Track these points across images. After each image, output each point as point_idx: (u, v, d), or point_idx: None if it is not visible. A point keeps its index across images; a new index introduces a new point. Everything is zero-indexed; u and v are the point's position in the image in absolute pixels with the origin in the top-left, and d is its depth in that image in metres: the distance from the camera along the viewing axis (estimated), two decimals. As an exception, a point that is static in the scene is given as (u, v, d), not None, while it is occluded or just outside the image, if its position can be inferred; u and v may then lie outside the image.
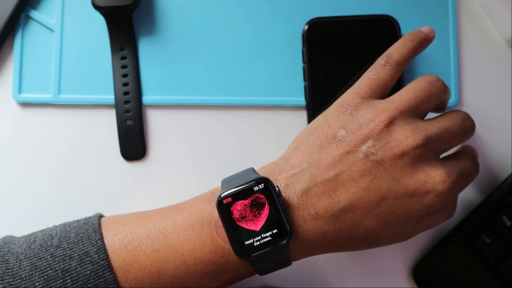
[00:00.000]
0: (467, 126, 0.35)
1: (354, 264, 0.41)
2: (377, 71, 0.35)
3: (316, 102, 0.40)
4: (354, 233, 0.32)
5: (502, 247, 0.38)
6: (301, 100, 0.42)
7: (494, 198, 0.40)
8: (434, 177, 0.32)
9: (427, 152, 0.33)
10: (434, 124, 0.34)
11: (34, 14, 0.43)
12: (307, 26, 0.41)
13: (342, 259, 0.41)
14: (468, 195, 0.41)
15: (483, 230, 0.39)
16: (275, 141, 0.42)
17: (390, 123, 0.33)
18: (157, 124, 0.42)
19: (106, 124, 0.42)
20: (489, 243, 0.39)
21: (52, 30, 0.43)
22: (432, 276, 0.40)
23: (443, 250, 0.40)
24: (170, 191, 0.42)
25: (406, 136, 0.32)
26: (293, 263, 0.33)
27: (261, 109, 0.43)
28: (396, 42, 0.37)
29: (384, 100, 0.34)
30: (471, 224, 0.39)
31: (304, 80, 0.41)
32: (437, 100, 0.35)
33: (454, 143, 0.35)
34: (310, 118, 0.41)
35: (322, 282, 0.41)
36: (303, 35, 0.41)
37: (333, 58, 0.41)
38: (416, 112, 0.34)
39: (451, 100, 0.42)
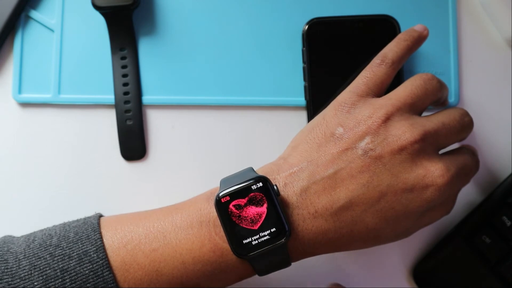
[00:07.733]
0: (465, 122, 0.35)
1: (354, 264, 0.41)
2: (373, 70, 0.35)
3: (316, 102, 0.40)
4: (354, 231, 0.32)
5: (502, 247, 0.38)
6: (301, 100, 0.42)
7: (494, 198, 0.40)
8: (433, 171, 0.32)
9: (425, 147, 0.33)
10: (431, 119, 0.34)
11: (34, 14, 0.43)
12: (307, 26, 0.41)
13: (342, 259, 0.41)
14: (468, 195, 0.41)
15: (483, 230, 0.39)
16: (275, 141, 0.42)
17: (388, 119, 0.33)
18: (157, 124, 0.42)
19: (106, 124, 0.42)
20: (489, 243, 0.39)
21: (52, 30, 0.43)
22: (432, 276, 0.40)
23: (443, 250, 0.40)
24: (170, 191, 0.42)
25: (404, 131, 0.32)
26: (293, 263, 0.33)
27: (261, 109, 0.43)
28: (391, 42, 0.37)
29: (380, 98, 0.35)
30: (471, 224, 0.39)
31: (304, 80, 0.41)
32: (433, 97, 0.35)
33: (452, 139, 0.35)
34: (310, 118, 0.41)
35: (322, 282, 0.41)
36: (303, 35, 0.41)
37: (333, 58, 0.41)
38: (413, 109, 0.34)
39: (451, 100, 0.42)
